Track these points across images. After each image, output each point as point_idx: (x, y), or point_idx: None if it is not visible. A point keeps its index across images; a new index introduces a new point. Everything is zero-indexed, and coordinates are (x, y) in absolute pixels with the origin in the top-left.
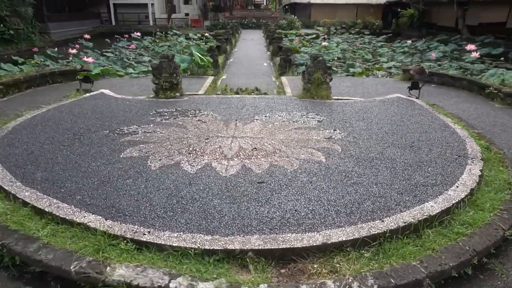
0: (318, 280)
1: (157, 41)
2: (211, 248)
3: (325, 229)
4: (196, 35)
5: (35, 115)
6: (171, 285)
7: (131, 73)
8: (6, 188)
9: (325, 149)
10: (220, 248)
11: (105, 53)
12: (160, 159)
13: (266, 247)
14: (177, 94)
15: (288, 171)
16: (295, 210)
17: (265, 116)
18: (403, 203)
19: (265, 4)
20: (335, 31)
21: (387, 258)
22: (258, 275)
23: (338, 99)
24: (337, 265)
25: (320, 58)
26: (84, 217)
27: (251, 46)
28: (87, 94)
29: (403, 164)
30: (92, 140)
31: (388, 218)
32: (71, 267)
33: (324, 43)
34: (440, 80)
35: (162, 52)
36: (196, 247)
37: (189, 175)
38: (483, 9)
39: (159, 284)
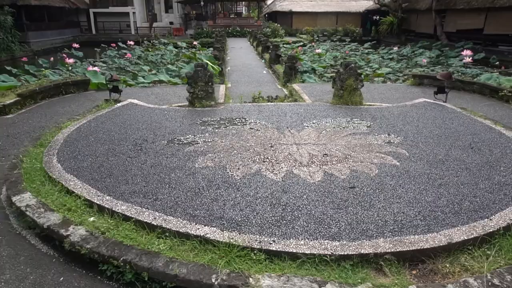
0: (460, 279)
1: (150, 50)
2: (345, 253)
3: (442, 229)
4: (184, 43)
5: (78, 126)
6: None
7: (142, 82)
8: (98, 203)
9: (392, 153)
10: (354, 253)
11: (96, 63)
12: (238, 168)
13: (397, 250)
14: (212, 102)
15: (371, 175)
16: (403, 213)
17: (313, 123)
18: (498, 201)
19: (244, 12)
20: (317, 38)
21: (509, 254)
22: (396, 277)
23: (370, 105)
24: (466, 263)
25: (353, 65)
26: (198, 229)
27: (242, 54)
28: (118, 104)
29: (474, 164)
30: (156, 151)
31: (494, 216)
32: (213, 280)
33: (318, 50)
34: (450, 84)
35: (156, 61)
36: (329, 253)
37: (278, 183)
38: (460, 16)
39: None
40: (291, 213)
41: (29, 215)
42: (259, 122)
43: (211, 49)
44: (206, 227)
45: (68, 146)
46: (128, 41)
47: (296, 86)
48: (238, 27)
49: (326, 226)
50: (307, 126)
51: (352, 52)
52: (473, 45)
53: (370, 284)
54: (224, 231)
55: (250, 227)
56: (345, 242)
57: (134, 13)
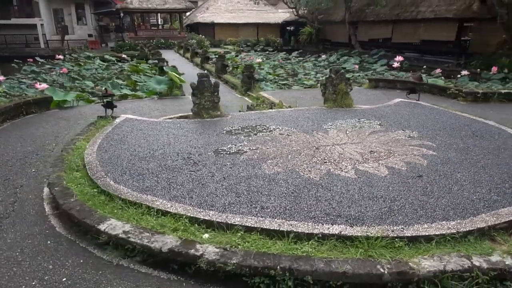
0: None
1: (82, 64)
2: (467, 230)
3: None
4: (112, 57)
5: (99, 146)
6: (474, 263)
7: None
8: (206, 218)
9: (423, 145)
10: (473, 228)
11: (22, 80)
12: (309, 170)
13: (501, 221)
14: (219, 112)
15: (424, 165)
16: (478, 192)
17: (330, 125)
18: None
19: (160, 23)
20: (242, 48)
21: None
22: (509, 244)
23: (359, 106)
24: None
25: (342, 71)
26: (329, 228)
27: (180, 66)
28: (118, 120)
29: (491, 148)
30: (212, 162)
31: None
32: (382, 270)
33: (258, 60)
34: (403, 86)
35: (92, 75)
36: (455, 231)
37: (356, 180)
38: (371, 27)
39: (462, 265)
40: (396, 203)
41: (134, 241)
42: (282, 128)
43: (154, 61)
44: (336, 225)
45: (112, 167)
46: (59, 55)
47: (265, 94)
48: (162, 39)
49: (432, 210)
50: (329, 129)
51: (285, 61)
52: (385, 52)
53: (500, 251)
54: (354, 227)
55: (372, 219)
56: (458, 220)
57: (42, 25)
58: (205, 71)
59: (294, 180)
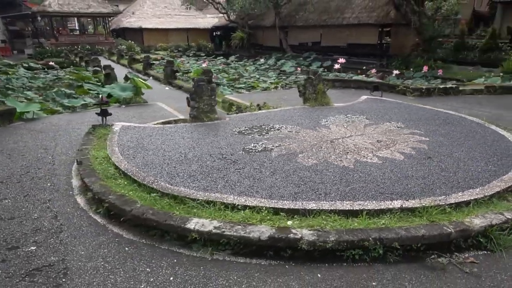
0: None
1: (10, 73)
2: (491, 193)
3: (508, 172)
4: (38, 65)
5: (122, 153)
6: (507, 216)
7: (67, 107)
8: (288, 207)
9: (415, 133)
10: (494, 192)
11: None
12: (340, 160)
13: (507, 186)
14: (216, 115)
15: (426, 149)
16: (477, 165)
17: (326, 121)
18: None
19: (77, 28)
20: (174, 54)
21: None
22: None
23: (336, 104)
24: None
25: (320, 72)
26: (390, 204)
27: (121, 73)
28: (117, 128)
29: (465, 133)
30: (249, 160)
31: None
32: (449, 230)
33: (204, 65)
34: (356, 85)
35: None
36: (482, 195)
37: (383, 165)
38: (301, 32)
39: (500, 219)
40: (426, 180)
41: (230, 234)
42: (286, 126)
43: (95, 68)
44: (395, 201)
45: (155, 171)
46: None
47: (231, 97)
48: (87, 45)
49: (456, 182)
50: (327, 124)
51: (226, 66)
52: (316, 55)
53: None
54: (410, 200)
55: (417, 194)
56: (480, 188)
57: None
58: (150, 78)
59: (334, 169)
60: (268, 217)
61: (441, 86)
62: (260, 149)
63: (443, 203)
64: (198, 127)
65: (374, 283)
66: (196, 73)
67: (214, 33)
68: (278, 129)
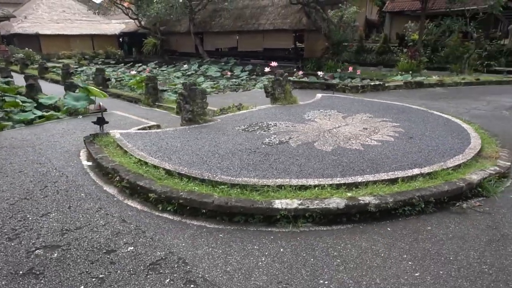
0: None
1: None
2: (463, 161)
3: (465, 148)
4: None
5: (157, 156)
6: (488, 171)
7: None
8: (335, 183)
9: (386, 121)
10: (465, 160)
11: None
12: (350, 145)
13: (469, 157)
14: (208, 117)
15: (403, 132)
16: (444, 143)
17: (307, 116)
18: (456, 131)
19: None
20: (81, 62)
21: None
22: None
23: (302, 102)
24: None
25: (286, 74)
26: (412, 171)
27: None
28: (117, 135)
29: (422, 118)
30: (278, 151)
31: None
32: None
33: (133, 72)
34: (299, 85)
35: None
36: (461, 162)
37: (384, 145)
38: (217, 37)
39: (483, 175)
40: (421, 153)
41: (313, 208)
42: (279, 122)
43: (8, 79)
44: (415, 169)
45: (206, 167)
46: None
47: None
48: None
49: (441, 154)
50: (312, 118)
51: (150, 73)
52: (235, 60)
53: (485, 168)
54: (423, 167)
55: (423, 163)
56: (455, 157)
57: None
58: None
59: (351, 152)
60: (334, 191)
61: (372, 84)
62: (277, 142)
63: (445, 167)
64: (200, 128)
65: (428, 228)
66: (137, 81)
67: (121, 39)
68: (275, 125)
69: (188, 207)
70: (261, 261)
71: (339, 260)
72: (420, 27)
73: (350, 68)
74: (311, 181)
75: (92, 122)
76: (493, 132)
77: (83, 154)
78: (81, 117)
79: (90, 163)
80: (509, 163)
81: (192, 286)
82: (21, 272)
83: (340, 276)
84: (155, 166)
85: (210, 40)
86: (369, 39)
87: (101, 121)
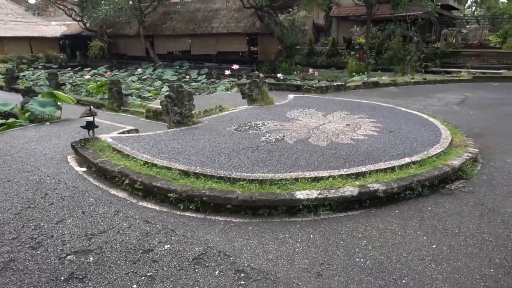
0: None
1: None
2: (441, 150)
3: (438, 142)
4: None
5: (165, 158)
6: (464, 157)
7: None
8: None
9: (364, 117)
10: (442, 149)
11: None
12: (341, 139)
13: (445, 147)
14: (195, 119)
15: (383, 127)
16: (417, 137)
17: (292, 115)
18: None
19: None
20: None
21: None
22: (457, 154)
23: (278, 103)
24: (436, 160)
25: (262, 76)
26: (404, 160)
27: None
28: (109, 140)
29: (394, 114)
30: (278, 147)
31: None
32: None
33: (86, 77)
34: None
35: None
36: (439, 152)
37: (370, 139)
38: (169, 40)
39: (461, 160)
40: (405, 145)
41: (332, 196)
42: (267, 122)
43: None
44: (406, 158)
45: (216, 165)
46: None
47: (155, 106)
48: None
49: (422, 145)
50: (295, 117)
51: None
52: (188, 64)
53: (458, 156)
54: (413, 156)
55: (410, 153)
56: (433, 147)
57: None
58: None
59: (345, 146)
60: (344, 181)
61: (335, 84)
62: (273, 140)
63: (430, 156)
64: (191, 130)
65: (429, 208)
66: (98, 85)
67: (63, 41)
68: (263, 125)
69: (211, 204)
70: (297, 247)
71: (365, 241)
72: (366, 32)
73: (310, 70)
74: (322, 173)
75: (81, 126)
76: (452, 124)
77: (72, 160)
78: (48, 123)
79: (84, 169)
80: (477, 150)
81: (242, 275)
82: (62, 278)
83: (372, 254)
84: (167, 167)
85: (162, 44)
86: (318, 43)
87: (91, 126)
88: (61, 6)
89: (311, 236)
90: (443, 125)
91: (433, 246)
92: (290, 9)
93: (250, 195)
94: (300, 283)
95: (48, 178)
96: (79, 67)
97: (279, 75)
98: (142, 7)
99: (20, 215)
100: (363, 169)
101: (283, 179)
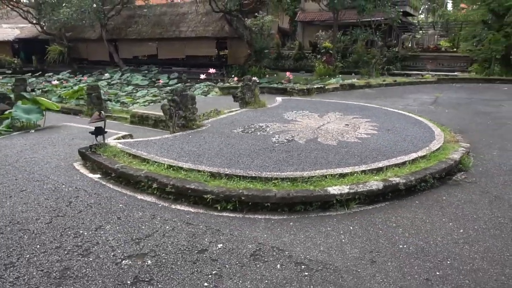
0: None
1: None
2: (438, 147)
3: (433, 140)
4: None
5: (187, 159)
6: (462, 151)
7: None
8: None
9: (359, 117)
10: (439, 146)
11: None
12: (347, 137)
13: (439, 145)
14: (198, 122)
15: (379, 126)
16: (414, 135)
17: (290, 117)
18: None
19: None
20: None
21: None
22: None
23: (270, 105)
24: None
25: (254, 79)
26: (409, 156)
27: None
28: (120, 145)
29: (383, 114)
30: (292, 147)
31: (431, 144)
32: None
33: (54, 82)
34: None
35: None
36: (437, 147)
37: (373, 137)
38: (134, 45)
39: (459, 155)
40: (405, 142)
41: (361, 191)
42: (270, 124)
43: None
44: (412, 154)
45: (242, 166)
46: None
47: (142, 110)
48: None
49: (423, 141)
50: (294, 119)
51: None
52: (156, 68)
53: (452, 153)
54: (418, 152)
55: (411, 150)
56: (435, 141)
57: None
58: None
59: (354, 144)
60: (368, 176)
61: (315, 86)
62: (284, 140)
63: (432, 151)
64: (199, 133)
65: (444, 197)
66: (74, 91)
67: (17, 45)
68: (267, 126)
69: (249, 203)
70: (342, 238)
71: (400, 229)
72: (333, 36)
73: (288, 74)
74: (345, 170)
75: (90, 132)
76: (437, 122)
77: (80, 167)
78: (33, 131)
79: (98, 175)
80: (469, 145)
81: (303, 266)
82: (128, 282)
83: (411, 240)
84: (193, 170)
85: (127, 48)
86: (285, 47)
87: (101, 131)
88: (16, 8)
89: (351, 228)
90: (431, 123)
91: (461, 231)
92: (256, 14)
93: (287, 192)
94: (359, 270)
95: (63, 186)
96: (39, 73)
97: (254, 78)
98: (105, 10)
99: (52, 224)
100: (379, 164)
101: (312, 176)
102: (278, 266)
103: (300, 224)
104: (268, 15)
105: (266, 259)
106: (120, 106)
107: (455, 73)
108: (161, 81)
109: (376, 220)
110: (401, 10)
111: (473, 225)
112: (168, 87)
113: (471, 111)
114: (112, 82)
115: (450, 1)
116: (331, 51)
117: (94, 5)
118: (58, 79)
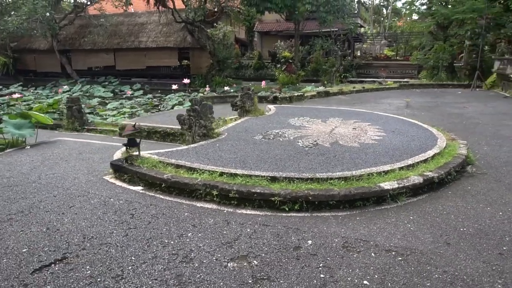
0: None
1: None
2: (443, 147)
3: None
4: None
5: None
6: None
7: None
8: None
9: (360, 122)
10: (431, 155)
11: None
12: (364, 140)
13: (439, 151)
14: (217, 131)
15: (385, 129)
16: (418, 136)
17: (296, 123)
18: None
19: None
20: None
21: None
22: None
23: (267, 113)
24: (449, 151)
25: (253, 88)
26: (419, 157)
27: None
28: (154, 156)
29: (379, 118)
30: (319, 151)
31: (437, 142)
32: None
33: (17, 95)
34: (222, 100)
35: None
36: (436, 152)
37: (385, 139)
38: (89, 55)
39: (466, 151)
40: (414, 142)
41: (407, 184)
42: (284, 130)
43: None
44: (424, 153)
45: (280, 168)
46: None
47: (127, 121)
48: None
49: (430, 141)
50: (302, 125)
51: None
52: (115, 79)
53: (454, 145)
54: (426, 152)
55: (419, 151)
56: (439, 141)
57: None
58: None
59: (374, 146)
60: (405, 171)
61: (296, 94)
62: (311, 144)
63: (442, 148)
64: (223, 141)
65: (469, 187)
66: (49, 104)
67: None
68: (284, 132)
69: (315, 203)
70: (410, 227)
71: (452, 216)
72: (294, 46)
73: (263, 83)
74: (385, 167)
75: (123, 144)
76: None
77: (114, 180)
78: (29, 147)
79: (141, 187)
80: (465, 141)
81: (393, 252)
82: (250, 281)
83: (467, 224)
84: (248, 175)
85: (81, 59)
86: (244, 57)
87: (135, 143)
88: None
89: (411, 217)
90: (425, 124)
91: (500, 213)
92: (215, 24)
93: (349, 190)
94: (441, 251)
95: (111, 199)
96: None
97: (226, 88)
98: (57, 19)
99: (130, 236)
100: (409, 161)
101: (361, 175)
102: (373, 254)
103: (365, 218)
104: (227, 26)
105: (358, 250)
106: (100, 119)
107: (406, 80)
108: (129, 92)
109: (427, 210)
110: (355, 22)
111: (506, 208)
112: (139, 99)
113: (444, 113)
114: (73, 95)
115: (393, 13)
116: (291, 61)
117: (48, 14)
118: (11, 93)
